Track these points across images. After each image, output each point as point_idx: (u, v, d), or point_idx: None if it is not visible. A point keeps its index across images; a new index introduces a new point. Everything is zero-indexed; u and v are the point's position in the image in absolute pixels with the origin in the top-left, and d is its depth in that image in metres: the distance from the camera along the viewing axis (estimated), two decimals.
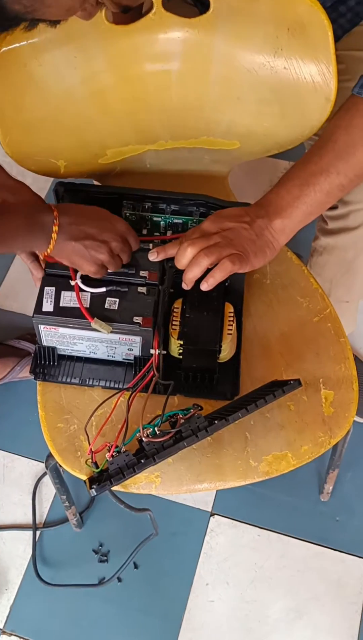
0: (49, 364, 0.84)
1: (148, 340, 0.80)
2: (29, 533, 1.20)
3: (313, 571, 1.17)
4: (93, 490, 0.70)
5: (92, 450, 0.75)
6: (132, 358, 0.83)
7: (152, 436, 0.73)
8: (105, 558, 1.18)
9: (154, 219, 0.89)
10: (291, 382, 0.75)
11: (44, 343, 0.82)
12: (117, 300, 0.79)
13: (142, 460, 0.70)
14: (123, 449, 0.73)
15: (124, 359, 0.84)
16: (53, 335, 0.80)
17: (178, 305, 0.83)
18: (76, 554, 1.19)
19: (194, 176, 0.95)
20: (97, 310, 0.77)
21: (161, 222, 0.90)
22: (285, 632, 1.12)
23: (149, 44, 0.75)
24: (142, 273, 0.81)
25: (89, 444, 0.76)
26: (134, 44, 0.75)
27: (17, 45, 0.73)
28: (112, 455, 0.72)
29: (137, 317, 0.78)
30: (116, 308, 0.78)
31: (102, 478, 0.73)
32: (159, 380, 0.79)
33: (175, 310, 0.82)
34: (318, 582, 1.16)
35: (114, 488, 0.76)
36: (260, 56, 0.75)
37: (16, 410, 1.32)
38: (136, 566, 1.17)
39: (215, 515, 1.21)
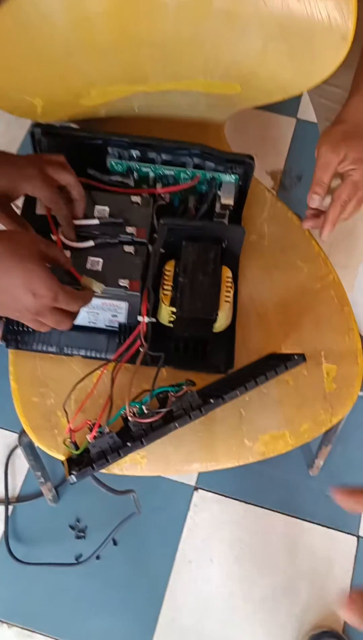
0: (23, 330, 0.75)
1: (135, 306, 0.71)
2: (1, 508, 1.13)
3: (301, 548, 1.12)
4: (73, 476, 0.62)
5: (72, 429, 0.68)
6: (116, 325, 0.75)
7: (139, 415, 0.65)
8: (82, 534, 1.12)
9: (143, 169, 0.80)
10: (295, 356, 0.67)
11: None
12: (101, 260, 0.70)
13: (128, 444, 0.63)
14: (107, 430, 0.65)
15: (107, 325, 0.76)
16: None
17: (170, 267, 0.74)
18: (51, 530, 1.12)
19: (187, 124, 0.85)
20: (77, 270, 0.69)
21: (150, 174, 0.80)
22: (271, 611, 1.07)
23: None
24: (129, 229, 0.71)
25: (68, 422, 0.68)
26: None
27: None
28: (94, 437, 0.64)
29: (123, 280, 0.69)
30: (100, 269, 0.70)
31: (82, 461, 0.65)
32: (147, 351, 0.71)
33: (167, 273, 0.74)
34: (306, 559, 1.11)
35: None
36: None
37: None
38: (115, 543, 1.11)
39: (199, 490, 1.15)
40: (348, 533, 1.13)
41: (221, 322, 0.74)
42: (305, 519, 1.14)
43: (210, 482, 1.16)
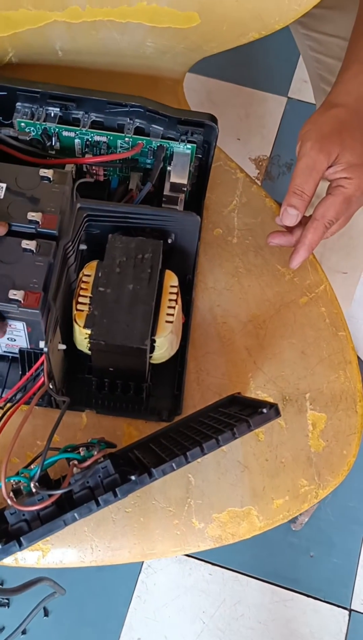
0: None
1: (36, 327, 0.49)
2: None
3: (279, 623, 0.90)
4: None
5: None
6: (17, 352, 0.53)
7: (25, 494, 0.42)
8: (6, 601, 0.89)
9: (64, 134, 0.57)
10: (265, 408, 0.45)
11: None
12: None
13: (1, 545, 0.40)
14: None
15: (5, 352, 0.54)
16: None
17: (89, 271, 0.52)
18: None
19: (131, 75, 0.63)
20: None
21: (76, 140, 0.58)
22: None
23: None
24: (32, 215, 0.49)
25: None
26: None
27: None
28: None
29: (15, 292, 0.47)
30: None
31: None
32: (52, 392, 0.48)
33: (85, 279, 0.51)
34: (286, 638, 0.89)
35: None
36: None
37: None
38: (46, 613, 0.89)
39: None
40: (337, 605, 0.91)
41: (162, 351, 0.52)
42: (285, 586, 0.92)
43: None
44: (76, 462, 0.43)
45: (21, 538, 0.40)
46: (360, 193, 0.53)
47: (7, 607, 0.89)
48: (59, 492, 0.42)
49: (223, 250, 0.63)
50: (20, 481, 0.43)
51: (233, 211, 0.65)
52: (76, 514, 0.41)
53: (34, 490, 0.42)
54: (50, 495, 0.42)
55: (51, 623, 0.88)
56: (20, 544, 0.40)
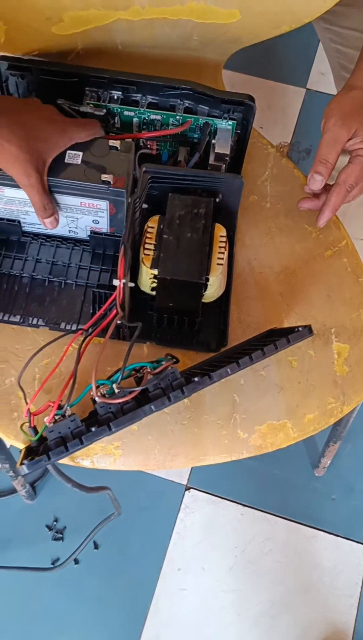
0: None
1: (120, 207, 0.60)
2: None
3: (304, 557, 1.00)
4: (23, 466, 0.51)
5: (31, 411, 0.56)
6: (102, 234, 0.64)
7: (108, 395, 0.53)
8: (60, 536, 1.00)
9: (125, 113, 0.68)
10: (299, 328, 0.55)
11: None
12: (81, 153, 0.60)
13: (92, 429, 0.51)
14: (69, 412, 0.53)
15: (90, 235, 0.65)
16: None
17: (153, 224, 0.62)
18: (26, 531, 1.01)
19: (179, 64, 0.73)
20: (55, 165, 0.59)
21: (134, 119, 0.69)
22: (269, 630, 0.95)
23: None
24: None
25: (26, 403, 0.56)
26: None
27: None
28: (53, 420, 0.53)
29: (106, 175, 0.58)
30: (79, 162, 0.59)
31: (39, 450, 0.54)
32: (123, 321, 0.59)
33: (149, 230, 0.62)
34: (309, 570, 0.99)
35: (62, 461, 0.57)
36: None
37: None
38: (96, 546, 1.00)
39: (191, 489, 1.04)
40: (356, 542, 1.01)
41: (213, 290, 0.63)
42: (309, 524, 1.02)
43: (204, 480, 1.04)
44: (148, 369, 0.54)
45: (110, 424, 0.51)
46: None
47: (61, 541, 1.00)
48: (138, 389, 0.52)
49: (258, 213, 0.74)
50: (105, 384, 0.54)
51: (266, 181, 0.75)
52: (152, 406, 0.52)
53: (117, 390, 0.53)
54: (130, 392, 0.52)
55: (100, 555, 0.99)
56: (110, 428, 0.51)
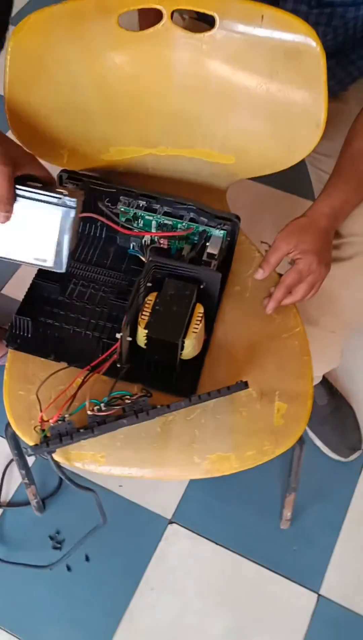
0: (23, 335, 0.89)
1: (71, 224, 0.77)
2: None
3: (262, 595, 1.17)
4: (28, 449, 0.73)
5: (43, 418, 0.79)
6: (40, 264, 0.80)
7: (97, 410, 0.76)
8: (59, 545, 1.20)
9: (146, 217, 0.94)
10: (239, 382, 0.77)
11: None
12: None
13: (81, 430, 0.74)
14: (68, 418, 0.76)
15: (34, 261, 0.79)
16: None
17: (151, 298, 0.87)
18: (32, 537, 1.21)
19: (194, 185, 0.99)
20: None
21: (153, 222, 0.95)
22: None
23: (153, 50, 0.81)
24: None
25: (40, 411, 0.80)
26: (139, 48, 0.81)
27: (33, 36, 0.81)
28: (56, 422, 0.75)
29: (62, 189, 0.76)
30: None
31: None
32: (119, 363, 0.82)
33: (148, 302, 0.86)
34: (265, 606, 1.15)
35: (61, 460, 0.80)
36: (256, 76, 0.80)
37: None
38: (87, 559, 1.19)
39: (174, 524, 1.23)
40: (309, 589, 1.17)
41: (188, 351, 0.85)
42: (271, 568, 1.19)
43: (186, 518, 1.23)
44: (128, 397, 0.77)
45: (94, 429, 0.74)
46: (307, 268, 0.87)
47: (59, 550, 1.20)
48: (118, 407, 0.75)
49: (239, 301, 0.96)
50: (96, 403, 0.77)
51: (248, 277, 0.99)
52: (125, 421, 0.74)
53: (103, 408, 0.76)
54: (112, 410, 0.75)
55: (90, 567, 1.18)
56: (93, 431, 0.73)
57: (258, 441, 0.84)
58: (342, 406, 1.32)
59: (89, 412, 0.76)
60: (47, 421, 0.79)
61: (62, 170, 0.92)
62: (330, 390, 1.29)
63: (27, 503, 1.23)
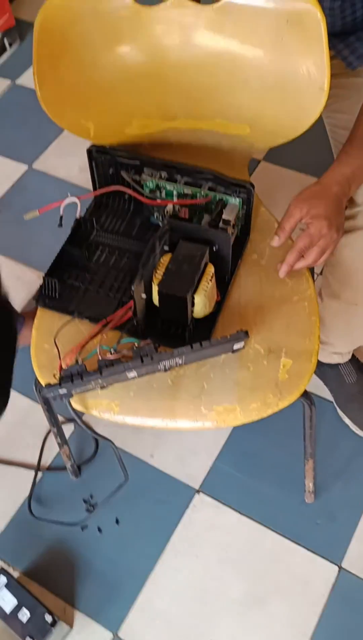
0: (51, 295, 0.97)
1: None
2: (32, 473, 1.31)
3: (282, 565, 1.18)
4: (43, 390, 0.80)
5: (61, 365, 0.86)
6: None
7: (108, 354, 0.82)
8: (92, 508, 1.26)
9: (168, 187, 1.00)
10: (239, 331, 0.81)
11: None
12: None
13: (91, 372, 0.80)
14: (80, 362, 0.83)
15: None
16: None
17: (166, 258, 0.92)
18: (67, 500, 1.28)
19: (216, 158, 1.04)
20: None
21: (174, 191, 1.01)
22: (239, 616, 1.14)
23: (167, 24, 0.87)
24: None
25: (59, 357, 0.87)
26: (155, 24, 0.88)
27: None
28: (68, 366, 0.82)
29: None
30: None
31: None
32: (134, 319, 0.88)
33: (162, 262, 0.92)
34: (285, 576, 1.17)
35: (78, 408, 0.87)
36: (262, 45, 0.85)
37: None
38: (117, 522, 1.25)
39: (201, 493, 1.27)
40: (329, 561, 1.18)
41: (199, 308, 0.90)
42: (292, 539, 1.20)
43: (213, 488, 1.27)
44: (135, 344, 0.83)
45: (102, 370, 0.80)
46: (319, 232, 0.90)
47: (91, 512, 1.26)
48: (124, 351, 0.81)
49: (255, 267, 1.01)
50: (106, 349, 0.83)
51: (266, 246, 1.03)
52: (130, 364, 0.80)
53: (112, 352, 0.82)
54: (121, 355, 0.81)
55: (119, 529, 1.24)
56: (101, 373, 0.79)
57: (263, 394, 0.88)
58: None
59: (99, 357, 0.82)
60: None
61: (92, 145, 1.00)
62: (359, 369, 1.30)
63: (64, 469, 1.30)
